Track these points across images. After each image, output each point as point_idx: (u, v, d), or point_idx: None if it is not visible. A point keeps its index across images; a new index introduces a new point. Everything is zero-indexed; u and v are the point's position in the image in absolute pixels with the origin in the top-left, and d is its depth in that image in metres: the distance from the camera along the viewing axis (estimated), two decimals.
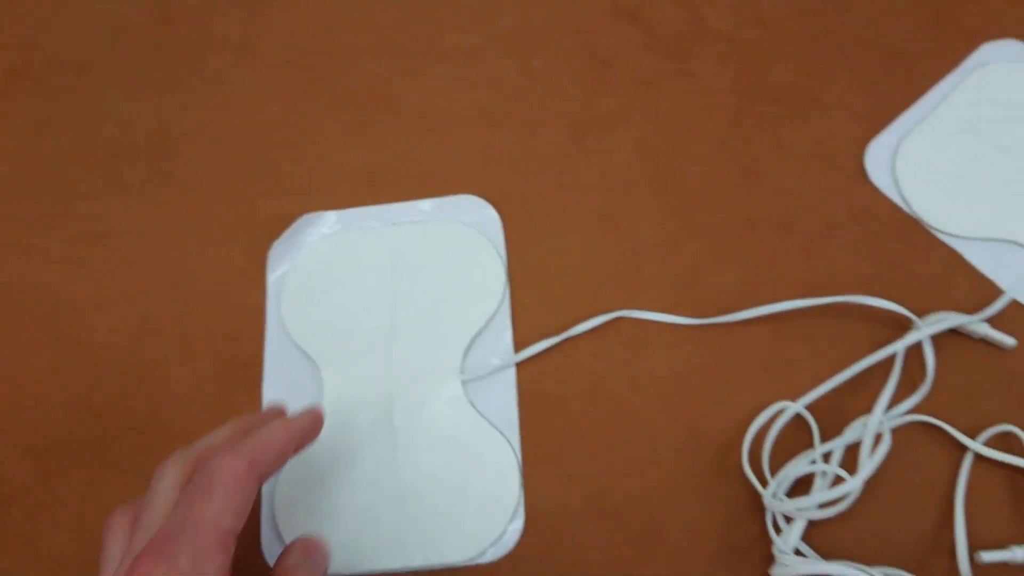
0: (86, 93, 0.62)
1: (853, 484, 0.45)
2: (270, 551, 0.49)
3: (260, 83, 0.61)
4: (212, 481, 0.36)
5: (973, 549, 0.46)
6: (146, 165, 0.59)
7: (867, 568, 0.44)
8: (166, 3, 0.64)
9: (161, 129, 0.60)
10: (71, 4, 0.65)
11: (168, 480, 0.38)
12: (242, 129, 0.60)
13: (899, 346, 0.48)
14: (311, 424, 0.43)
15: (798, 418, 0.49)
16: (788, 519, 0.47)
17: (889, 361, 0.50)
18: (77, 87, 0.62)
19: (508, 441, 0.50)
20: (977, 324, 0.50)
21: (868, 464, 0.46)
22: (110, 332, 0.55)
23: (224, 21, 0.63)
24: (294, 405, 0.51)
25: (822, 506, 0.46)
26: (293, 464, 0.50)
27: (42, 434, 0.52)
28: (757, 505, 0.48)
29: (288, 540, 0.49)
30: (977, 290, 0.52)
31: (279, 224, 0.56)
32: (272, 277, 0.55)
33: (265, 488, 0.50)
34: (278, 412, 0.46)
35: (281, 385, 0.53)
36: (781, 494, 0.47)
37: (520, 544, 0.48)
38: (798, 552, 0.46)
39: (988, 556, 0.46)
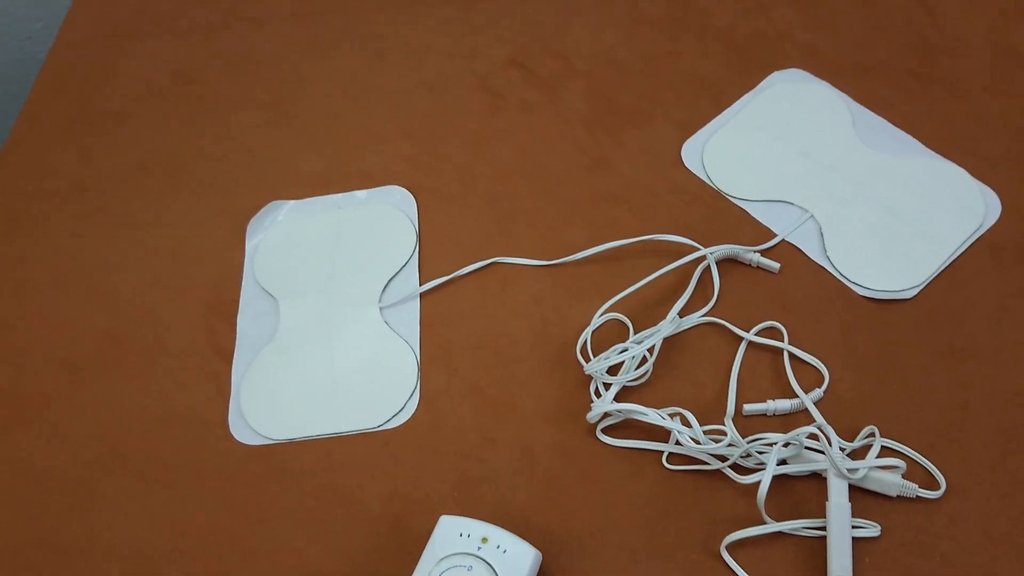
0: (123, 132, 0.84)
1: (642, 348, 0.63)
2: (235, 426, 0.67)
3: (249, 119, 0.83)
4: None
5: (740, 405, 0.63)
6: (162, 177, 0.81)
7: (656, 409, 0.61)
8: (186, 70, 0.88)
9: (175, 152, 0.82)
10: (117, 72, 0.89)
11: None
12: (233, 149, 0.81)
13: (688, 259, 0.67)
14: None
15: (623, 323, 0.68)
16: (608, 387, 0.65)
17: (688, 281, 0.68)
18: (117, 128, 0.85)
19: (411, 347, 0.69)
20: (751, 253, 0.69)
21: (658, 335, 0.64)
22: (126, 286, 0.75)
23: (228, 80, 0.86)
24: (259, 329, 0.71)
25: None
26: (258, 363, 0.69)
27: (74, 351, 0.72)
28: (587, 381, 0.66)
29: (248, 418, 0.67)
30: (759, 235, 0.71)
31: (255, 210, 0.77)
32: (249, 245, 0.76)
33: (235, 378, 0.69)
34: None
35: (251, 315, 0.72)
36: (600, 367, 0.64)
37: (415, 416, 0.66)
38: None
39: (749, 407, 0.63)
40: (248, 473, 0.65)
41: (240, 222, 0.77)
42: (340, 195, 0.77)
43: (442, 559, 0.56)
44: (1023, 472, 0.59)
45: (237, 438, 0.67)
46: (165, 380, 0.70)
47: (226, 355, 0.71)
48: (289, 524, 0.63)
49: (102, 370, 0.71)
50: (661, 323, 0.66)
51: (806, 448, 0.60)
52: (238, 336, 0.71)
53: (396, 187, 0.77)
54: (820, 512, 0.59)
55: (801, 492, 0.60)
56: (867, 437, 0.61)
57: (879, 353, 0.64)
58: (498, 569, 0.55)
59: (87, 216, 0.79)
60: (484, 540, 0.56)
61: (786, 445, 0.58)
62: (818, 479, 0.60)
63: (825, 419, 0.61)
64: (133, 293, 0.75)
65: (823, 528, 0.58)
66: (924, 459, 0.60)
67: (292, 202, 0.77)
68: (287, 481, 0.65)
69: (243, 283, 0.74)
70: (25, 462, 0.67)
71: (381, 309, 0.71)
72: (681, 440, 0.60)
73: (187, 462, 0.66)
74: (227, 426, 0.68)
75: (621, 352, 0.66)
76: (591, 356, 0.66)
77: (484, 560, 0.55)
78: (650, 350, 0.64)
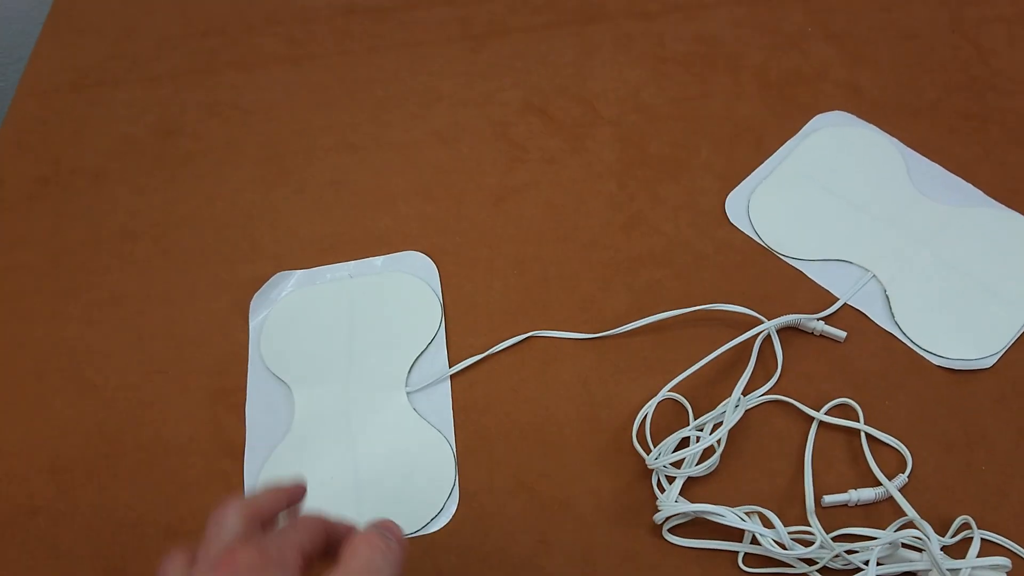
0: (100, 192, 0.76)
1: (711, 439, 0.57)
2: None
3: (242, 176, 0.76)
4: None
5: (818, 495, 0.58)
6: (149, 244, 0.73)
7: (732, 509, 0.55)
8: (166, 121, 0.80)
9: (161, 216, 0.74)
10: (89, 124, 0.80)
11: (230, 521, 0.44)
12: (227, 211, 0.74)
13: (749, 335, 0.61)
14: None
15: (680, 404, 0.61)
16: (671, 480, 0.59)
17: (748, 355, 0.62)
18: (93, 188, 0.76)
19: (445, 438, 0.62)
20: (814, 322, 0.63)
21: (724, 427, 0.58)
22: (120, 375, 0.67)
23: (214, 132, 0.79)
24: (271, 420, 0.63)
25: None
26: (274, 461, 0.61)
27: (63, 457, 0.64)
28: (647, 473, 0.59)
29: None
30: (817, 299, 0.65)
31: (257, 283, 0.69)
32: (253, 323, 0.68)
33: (247, 479, 0.61)
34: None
35: (261, 406, 0.65)
36: (663, 460, 0.58)
37: (456, 516, 0.59)
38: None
39: (829, 499, 0.57)
40: None
41: (240, 295, 0.69)
42: (352, 263, 0.70)
43: None
44: None
45: None
46: (167, 483, 0.62)
47: (235, 451, 0.63)
48: None
49: (94, 473, 0.63)
50: (723, 404, 0.60)
51: (901, 545, 0.54)
52: (248, 429, 0.64)
53: (414, 252, 0.70)
54: None
55: None
56: (962, 529, 0.55)
57: (963, 431, 0.59)
58: None
59: (67, 293, 0.71)
60: None
61: (890, 543, 0.53)
62: None
63: (913, 508, 0.56)
64: (125, 381, 0.66)
65: None
66: None
67: (299, 272, 0.70)
68: None
69: (249, 367, 0.66)
70: None
71: (408, 394, 0.64)
72: (763, 543, 0.54)
73: None
74: None
75: (683, 441, 0.60)
76: (649, 443, 0.60)
77: None
78: (718, 441, 0.58)
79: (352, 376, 0.65)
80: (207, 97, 0.81)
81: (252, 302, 0.69)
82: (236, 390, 0.66)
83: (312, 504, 0.60)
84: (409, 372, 0.65)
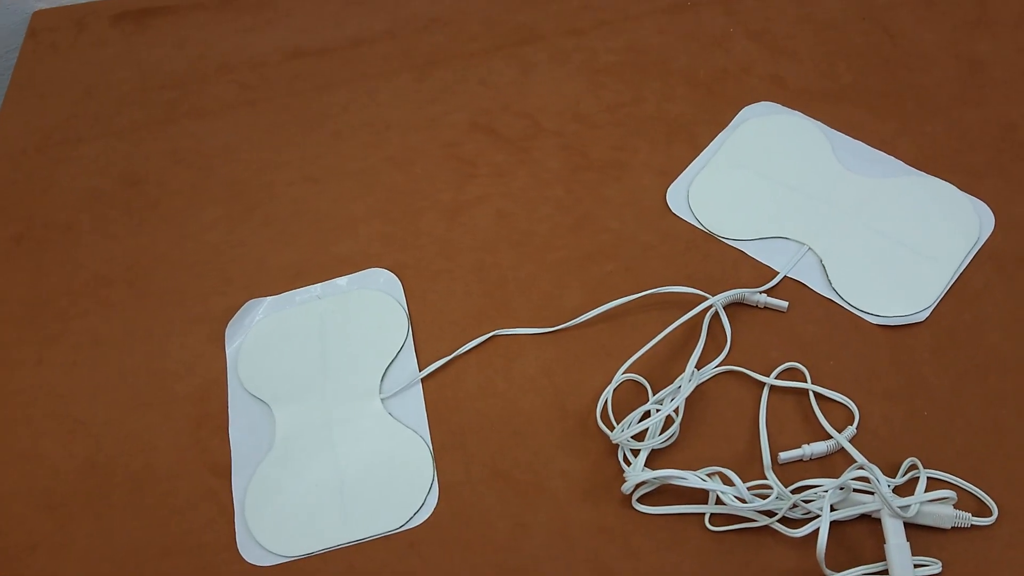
0: (73, 243, 0.79)
1: (669, 408, 0.60)
2: (244, 547, 0.62)
3: (208, 216, 0.79)
4: None
5: (775, 453, 0.61)
6: (124, 288, 0.76)
7: (694, 472, 0.59)
8: (132, 172, 0.83)
9: (134, 260, 0.77)
10: (57, 180, 0.83)
11: None
12: (196, 250, 0.77)
13: (697, 311, 0.65)
14: None
15: (640, 384, 0.65)
16: (636, 454, 0.62)
17: (699, 332, 0.66)
18: (66, 240, 0.79)
19: (421, 437, 0.65)
20: (758, 295, 0.67)
21: (680, 396, 0.61)
22: (105, 411, 0.70)
23: (179, 178, 0.82)
24: (255, 438, 0.66)
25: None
26: (260, 476, 0.64)
27: (57, 493, 0.66)
28: (613, 450, 0.63)
29: (258, 536, 0.62)
30: (759, 275, 0.69)
31: (230, 313, 0.73)
32: (229, 350, 0.71)
33: (236, 495, 0.64)
34: None
35: (243, 426, 0.67)
36: (627, 434, 0.61)
37: (437, 510, 0.62)
38: None
39: (785, 455, 0.61)
40: None
41: (215, 327, 0.73)
42: (319, 285, 0.74)
43: None
44: None
45: (249, 560, 0.62)
46: (159, 507, 0.65)
47: (222, 472, 0.66)
48: None
49: (88, 504, 0.66)
50: (679, 379, 0.64)
51: (854, 491, 0.58)
52: (233, 450, 0.67)
53: (378, 269, 0.74)
54: (875, 556, 0.57)
55: (852, 537, 0.58)
56: (909, 470, 0.59)
57: (904, 381, 0.63)
58: None
59: (49, 340, 0.74)
60: None
61: (842, 488, 0.56)
62: (866, 522, 0.58)
63: (863, 456, 0.59)
64: (111, 417, 0.69)
65: (884, 572, 0.56)
66: (971, 486, 0.58)
67: (269, 299, 0.73)
68: None
69: (229, 392, 0.69)
70: None
71: (383, 400, 0.67)
72: (725, 500, 0.57)
73: None
74: (235, 549, 0.63)
75: (645, 415, 0.63)
76: (613, 422, 0.63)
77: None
78: (676, 411, 0.62)
79: (328, 389, 0.68)
80: (169, 145, 0.85)
81: (227, 330, 0.72)
82: (218, 414, 0.68)
83: (300, 511, 0.63)
84: (382, 380, 0.68)
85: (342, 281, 0.74)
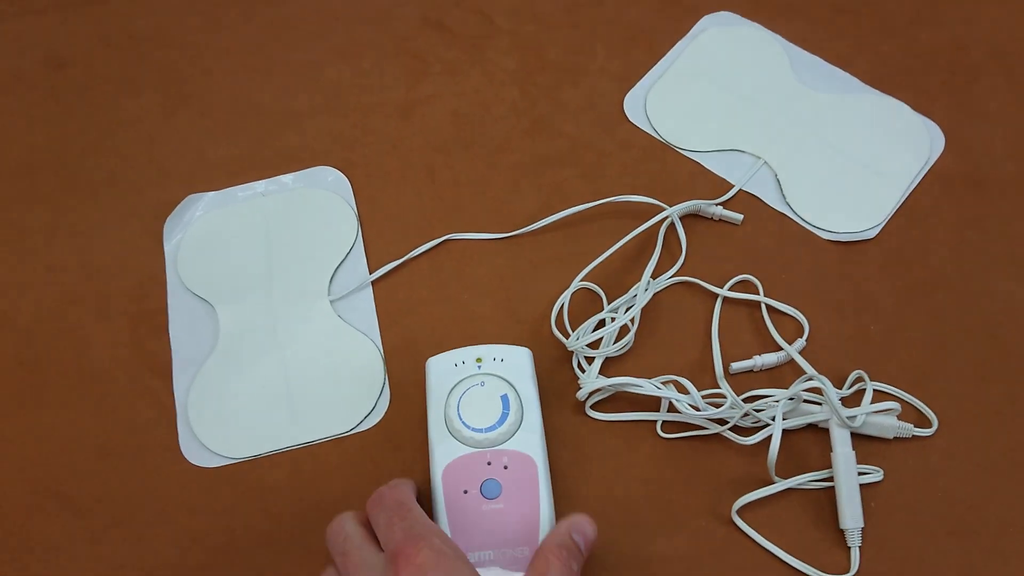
0: None
1: (625, 318, 0.60)
2: (187, 449, 0.61)
3: (142, 104, 0.75)
4: (399, 504, 0.49)
5: (727, 363, 0.62)
6: (52, 177, 0.71)
7: (649, 380, 0.59)
8: (57, 53, 0.78)
9: (61, 148, 0.73)
10: None
11: (351, 527, 0.49)
12: (130, 140, 0.73)
13: (653, 221, 0.65)
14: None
15: (595, 293, 0.65)
16: (590, 361, 0.62)
17: (654, 243, 0.66)
18: None
19: (372, 340, 0.64)
20: (713, 207, 0.67)
21: (636, 306, 0.61)
22: (30, 307, 0.66)
23: (109, 62, 0.77)
24: (196, 339, 0.64)
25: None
26: (203, 376, 0.62)
27: None
28: (567, 356, 0.63)
29: (201, 438, 0.61)
30: (715, 187, 0.69)
31: (168, 207, 0.69)
32: (168, 246, 0.68)
33: (178, 396, 0.62)
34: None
35: (184, 325, 0.65)
36: (583, 341, 0.61)
37: (388, 413, 0.62)
38: None
39: (736, 365, 0.62)
40: (212, 499, 0.59)
41: (152, 222, 0.69)
42: (263, 182, 0.71)
43: (452, 389, 0.56)
44: (1005, 399, 0.60)
45: (192, 461, 0.61)
46: (97, 407, 0.63)
47: (162, 372, 0.64)
48: (269, 550, 0.57)
49: (19, 402, 0.63)
50: (635, 289, 0.64)
51: (804, 401, 0.59)
52: (173, 349, 0.64)
53: (326, 167, 0.71)
54: (821, 464, 0.58)
55: (799, 445, 0.59)
56: (856, 382, 0.61)
57: (852, 296, 0.64)
58: (506, 376, 0.57)
59: None
60: (479, 360, 0.58)
61: (791, 399, 0.57)
62: (813, 431, 0.60)
63: (813, 367, 0.61)
64: (41, 314, 0.66)
65: (829, 479, 0.57)
66: (913, 398, 0.60)
67: (210, 194, 0.70)
68: (258, 502, 0.59)
69: (168, 290, 0.67)
70: None
71: (332, 302, 0.65)
72: (680, 408, 0.58)
73: (138, 495, 0.60)
74: (179, 450, 0.61)
75: (600, 324, 0.63)
76: (568, 329, 0.63)
77: (490, 373, 0.57)
78: (631, 320, 0.62)
79: (274, 289, 0.66)
80: (97, 27, 0.79)
81: (165, 226, 0.69)
82: (157, 312, 0.66)
83: (246, 412, 0.61)
84: (331, 282, 0.66)
85: (287, 178, 0.71)
